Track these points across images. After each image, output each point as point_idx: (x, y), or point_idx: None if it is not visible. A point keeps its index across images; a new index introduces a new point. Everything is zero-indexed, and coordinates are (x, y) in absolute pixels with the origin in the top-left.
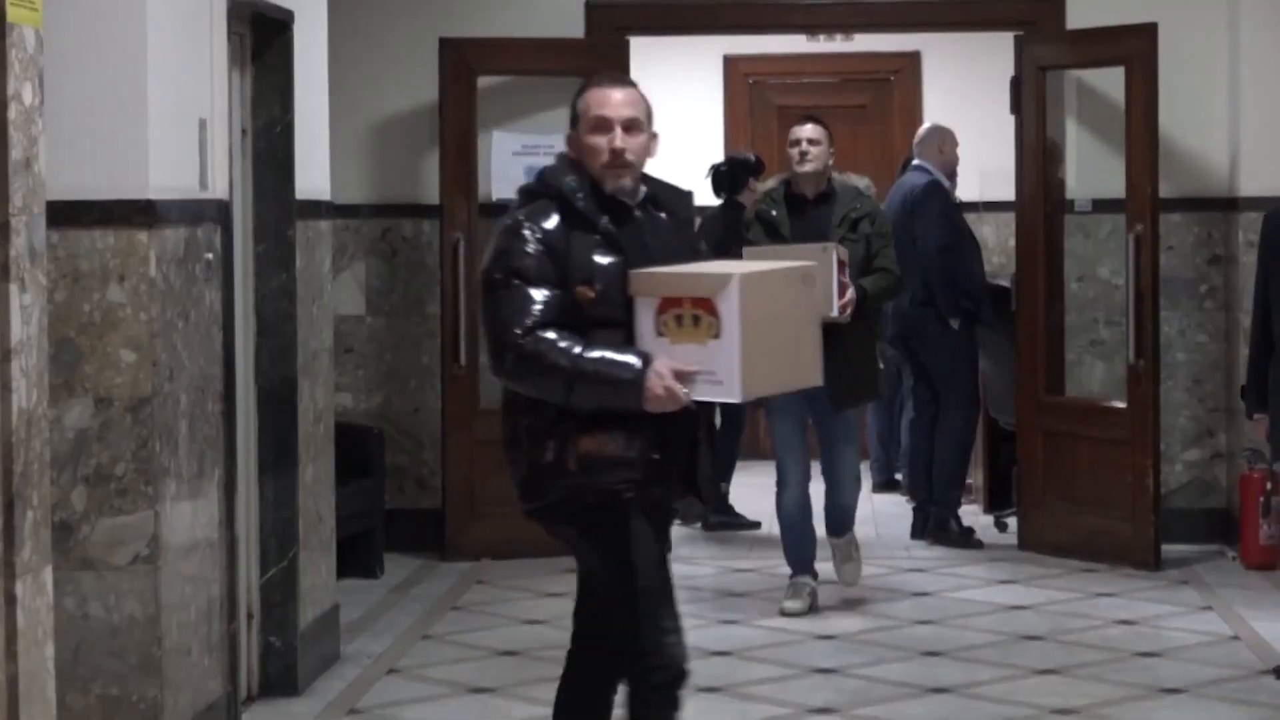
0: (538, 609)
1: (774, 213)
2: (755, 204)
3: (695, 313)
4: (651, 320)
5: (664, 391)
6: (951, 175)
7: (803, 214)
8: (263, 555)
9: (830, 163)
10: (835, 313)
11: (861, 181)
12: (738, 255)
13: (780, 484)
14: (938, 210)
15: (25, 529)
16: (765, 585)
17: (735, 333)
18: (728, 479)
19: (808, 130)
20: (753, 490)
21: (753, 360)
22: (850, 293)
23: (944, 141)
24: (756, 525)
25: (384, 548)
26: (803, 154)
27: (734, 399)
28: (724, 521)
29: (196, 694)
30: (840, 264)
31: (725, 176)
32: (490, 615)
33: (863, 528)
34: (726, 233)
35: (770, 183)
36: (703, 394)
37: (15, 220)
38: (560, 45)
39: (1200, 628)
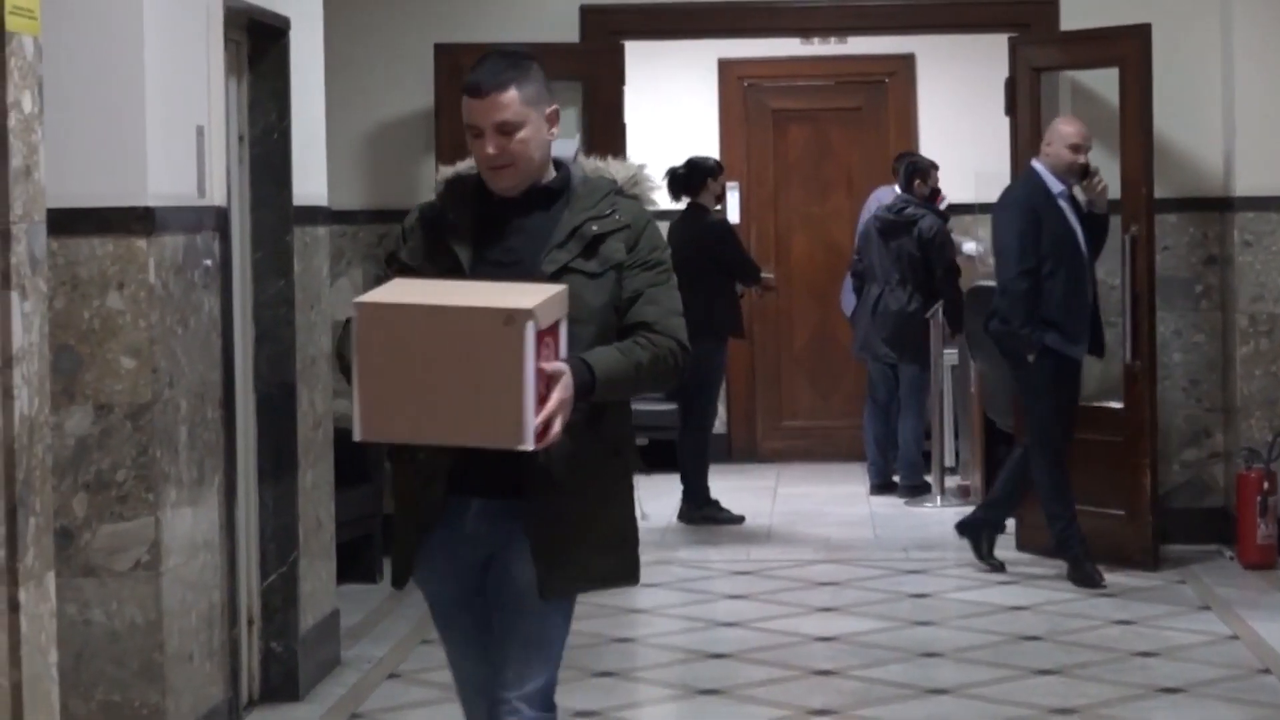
0: None
1: (450, 215)
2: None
3: None
4: None
5: None
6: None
7: (504, 220)
8: (263, 561)
9: (549, 139)
10: (528, 442)
11: (623, 170)
12: (699, 263)
13: None
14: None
15: (28, 535)
16: (764, 587)
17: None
18: (704, 474)
19: (492, 108)
20: (747, 493)
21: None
22: (556, 398)
23: None
24: (740, 519)
25: (383, 552)
26: (489, 159)
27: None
28: (707, 515)
29: (198, 699)
30: (544, 340)
31: (682, 179)
32: None
33: (860, 530)
34: (689, 239)
35: (456, 167)
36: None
37: (16, 228)
38: (555, 50)
39: (1198, 627)
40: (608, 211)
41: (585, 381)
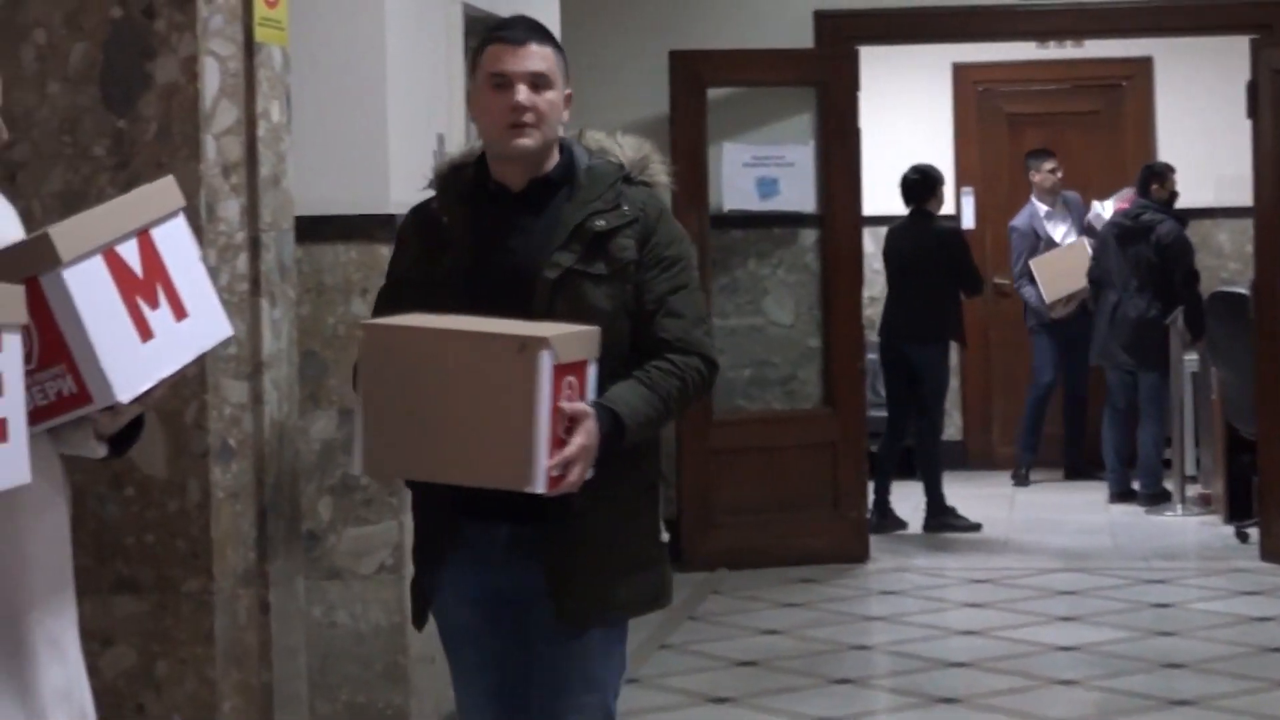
0: (775, 619)
1: (444, 217)
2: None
3: None
4: None
5: None
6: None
7: (503, 218)
8: None
9: (563, 120)
10: (539, 485)
11: (632, 151)
12: (925, 268)
13: None
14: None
15: (278, 539)
16: (1005, 596)
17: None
18: (938, 481)
19: (530, 56)
20: (984, 500)
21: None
22: (578, 443)
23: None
24: (977, 527)
25: None
26: (516, 110)
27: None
28: (943, 523)
29: (440, 701)
30: (564, 379)
31: (916, 185)
32: (727, 625)
33: (1099, 538)
34: (917, 245)
35: (449, 159)
36: None
37: (265, 236)
38: (790, 56)
39: None
40: (614, 204)
41: (611, 428)
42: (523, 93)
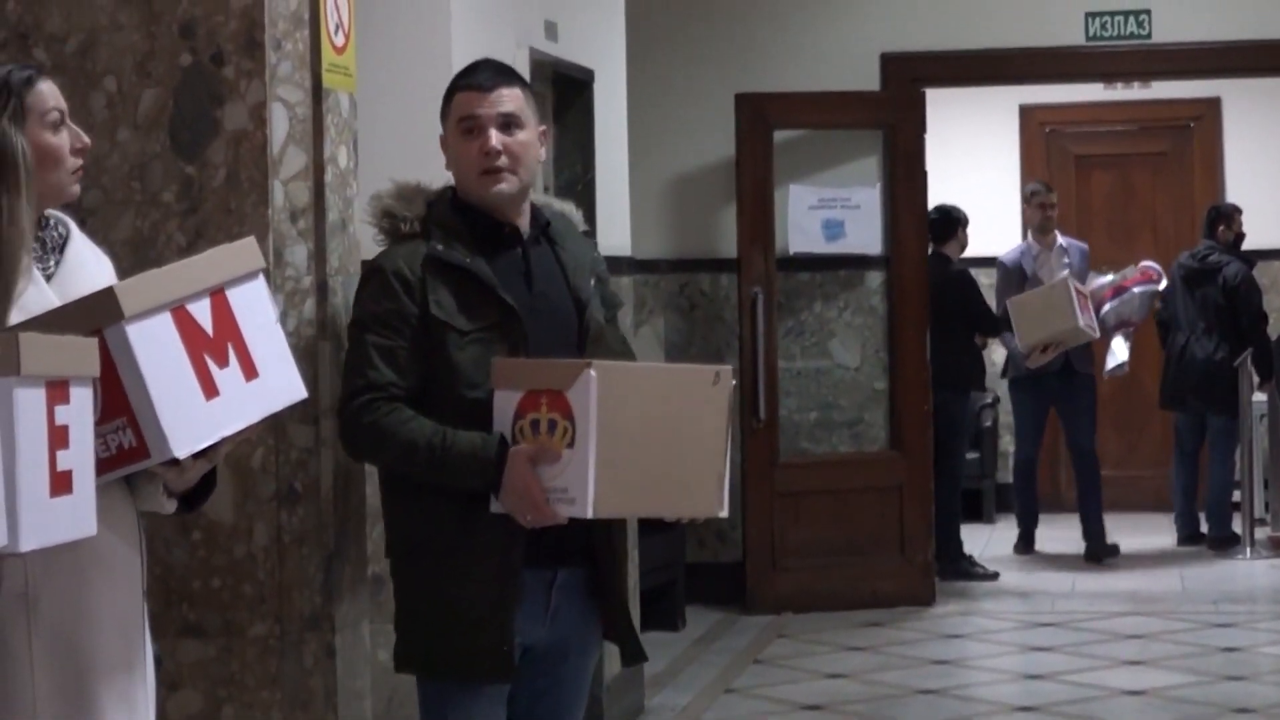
0: (840, 663)
1: (467, 259)
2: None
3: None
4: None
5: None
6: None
7: (520, 259)
8: None
9: (539, 158)
10: (725, 508)
11: (558, 201)
12: (938, 314)
13: None
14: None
15: (343, 583)
16: (1071, 639)
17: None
18: (956, 530)
19: (499, 100)
20: (1053, 542)
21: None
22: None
23: None
24: (994, 576)
25: (685, 600)
26: (489, 155)
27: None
28: (958, 569)
29: None
30: None
31: (935, 225)
32: (793, 669)
33: (1167, 582)
34: (931, 289)
35: (382, 199)
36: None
37: (332, 280)
38: (856, 98)
39: None
40: (592, 251)
41: None
42: (494, 136)
